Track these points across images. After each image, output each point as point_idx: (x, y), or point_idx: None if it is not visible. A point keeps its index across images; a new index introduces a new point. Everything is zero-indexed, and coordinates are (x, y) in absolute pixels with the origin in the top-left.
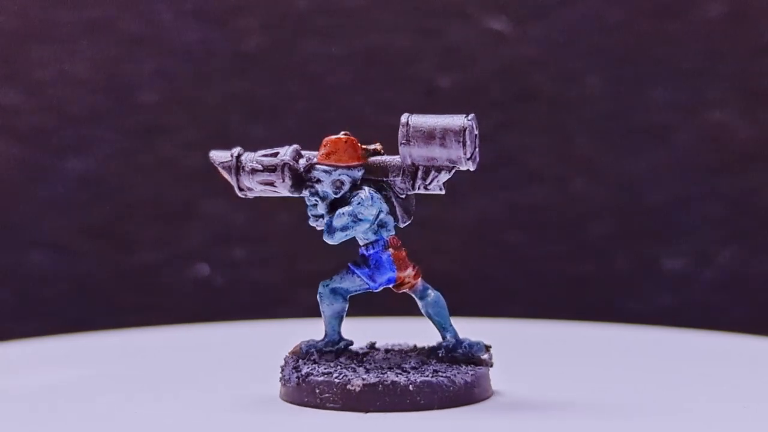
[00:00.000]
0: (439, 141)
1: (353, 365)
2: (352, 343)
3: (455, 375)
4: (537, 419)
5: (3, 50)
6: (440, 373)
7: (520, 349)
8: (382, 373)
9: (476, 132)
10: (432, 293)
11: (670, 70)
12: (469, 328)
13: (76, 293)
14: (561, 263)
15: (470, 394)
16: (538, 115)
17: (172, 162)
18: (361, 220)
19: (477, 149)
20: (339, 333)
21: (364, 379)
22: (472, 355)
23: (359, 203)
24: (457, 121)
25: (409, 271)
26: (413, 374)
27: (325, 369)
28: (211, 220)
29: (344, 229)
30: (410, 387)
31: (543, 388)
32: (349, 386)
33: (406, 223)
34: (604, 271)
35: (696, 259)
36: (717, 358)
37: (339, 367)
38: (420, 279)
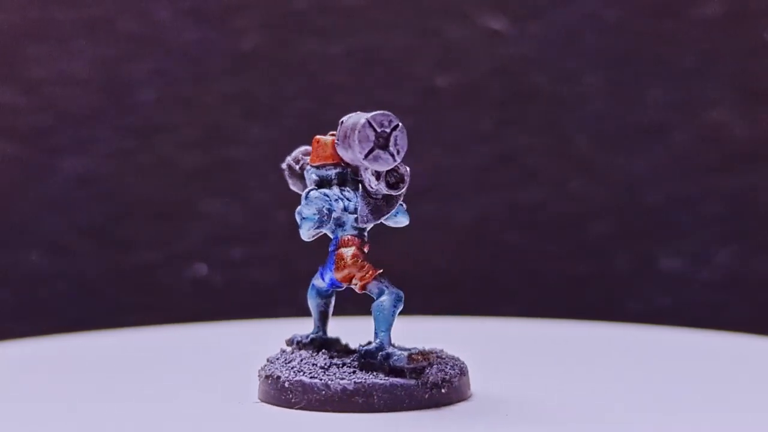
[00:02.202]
0: (348, 141)
1: (297, 358)
2: (324, 338)
3: (334, 380)
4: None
5: (1, 49)
6: (321, 376)
7: (518, 349)
8: (282, 369)
9: (384, 130)
10: (384, 297)
11: (668, 70)
12: (467, 328)
13: (74, 293)
14: (560, 263)
15: (349, 402)
16: (536, 114)
17: (171, 161)
18: (304, 218)
19: (391, 149)
20: (318, 327)
21: (264, 371)
22: (389, 365)
23: (301, 202)
24: (358, 118)
25: (349, 272)
26: (304, 373)
27: (276, 358)
28: (209, 219)
29: (299, 227)
30: (285, 384)
31: (538, 388)
32: (258, 376)
33: (366, 225)
34: (603, 271)
35: (694, 259)
36: (715, 358)
37: (284, 358)
38: (375, 281)
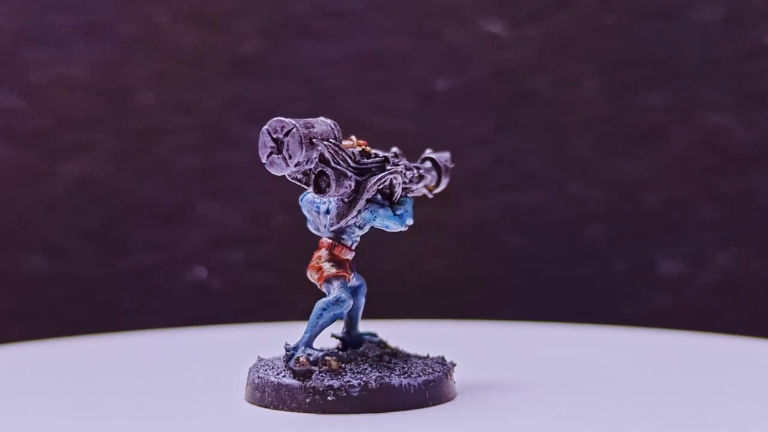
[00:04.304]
0: None
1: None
2: (341, 337)
3: (252, 374)
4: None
5: (0, 53)
6: (260, 369)
7: (515, 352)
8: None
9: (277, 136)
10: (321, 300)
11: (667, 73)
12: (464, 331)
13: (73, 296)
14: (559, 266)
15: (253, 395)
16: (535, 117)
17: (170, 165)
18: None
19: (284, 154)
20: (344, 325)
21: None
22: (288, 366)
23: None
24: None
25: (310, 274)
26: (261, 366)
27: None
28: (208, 222)
29: None
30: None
31: (529, 390)
32: None
33: (334, 228)
34: (602, 274)
35: (693, 262)
36: (713, 361)
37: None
38: (325, 284)
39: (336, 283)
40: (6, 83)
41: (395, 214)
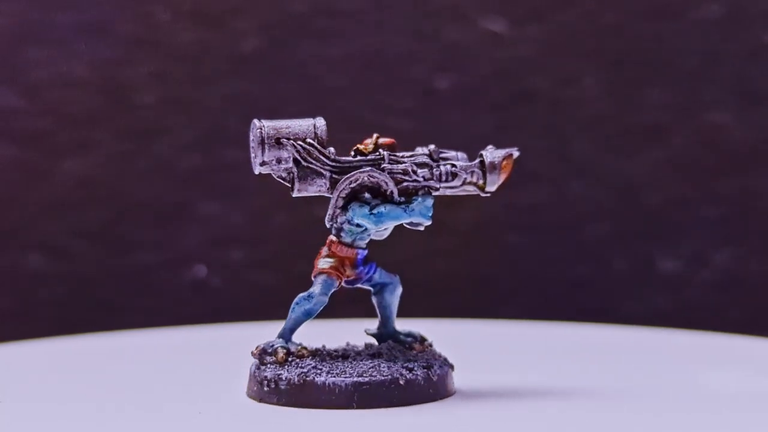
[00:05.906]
0: None
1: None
2: (373, 333)
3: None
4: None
5: (0, 52)
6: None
7: (513, 351)
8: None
9: (254, 136)
10: (299, 295)
11: (667, 72)
12: (464, 330)
13: (73, 295)
14: (559, 265)
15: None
16: (535, 116)
17: (170, 163)
18: None
19: (254, 155)
20: (379, 323)
21: None
22: None
23: None
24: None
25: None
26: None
27: None
28: (208, 221)
29: None
30: None
31: (524, 391)
32: None
33: (327, 225)
34: (602, 273)
35: (693, 261)
36: (714, 360)
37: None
38: (314, 279)
39: (318, 279)
40: (6, 82)
41: (370, 213)
